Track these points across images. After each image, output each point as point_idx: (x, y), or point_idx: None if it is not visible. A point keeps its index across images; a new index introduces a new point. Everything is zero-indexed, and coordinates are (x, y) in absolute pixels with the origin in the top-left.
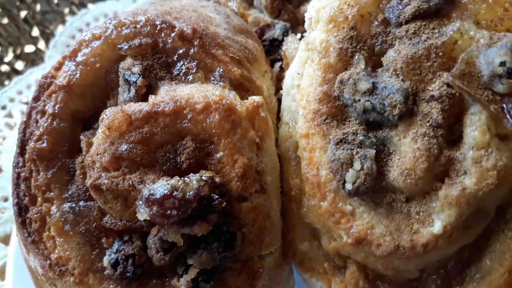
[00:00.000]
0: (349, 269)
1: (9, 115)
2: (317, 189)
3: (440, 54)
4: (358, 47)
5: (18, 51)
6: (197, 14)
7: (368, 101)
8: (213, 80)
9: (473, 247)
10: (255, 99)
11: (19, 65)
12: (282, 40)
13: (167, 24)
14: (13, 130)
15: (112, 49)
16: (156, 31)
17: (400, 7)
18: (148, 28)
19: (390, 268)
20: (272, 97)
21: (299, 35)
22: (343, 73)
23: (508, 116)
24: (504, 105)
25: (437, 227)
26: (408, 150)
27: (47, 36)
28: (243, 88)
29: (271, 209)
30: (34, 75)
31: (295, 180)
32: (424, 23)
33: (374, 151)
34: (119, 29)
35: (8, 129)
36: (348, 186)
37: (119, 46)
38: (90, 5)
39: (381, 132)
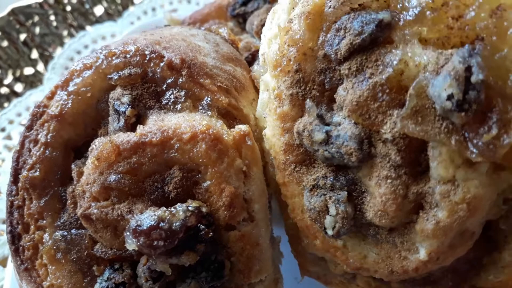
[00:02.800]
0: (358, 277)
1: (8, 137)
2: (307, 231)
3: (387, 91)
4: (307, 88)
5: (18, 74)
6: (186, 43)
7: (326, 150)
8: (201, 109)
9: (476, 247)
10: (241, 128)
11: (18, 87)
12: None
13: (156, 54)
14: (11, 152)
15: (102, 79)
16: (146, 61)
17: (336, 41)
18: (138, 58)
19: (395, 281)
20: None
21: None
22: (298, 122)
23: (471, 146)
24: (466, 134)
25: (422, 254)
26: (375, 193)
27: (46, 59)
28: (230, 116)
29: (260, 237)
30: (33, 97)
31: (288, 220)
32: (364, 56)
33: (346, 193)
34: (110, 59)
35: (7, 151)
36: (329, 232)
37: (109, 76)
38: (88, 27)
39: (349, 172)
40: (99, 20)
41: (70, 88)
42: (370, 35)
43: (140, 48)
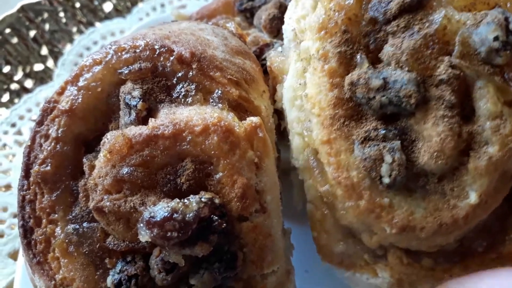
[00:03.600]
0: (390, 252)
1: (19, 133)
2: (351, 190)
3: (436, 40)
4: (355, 48)
5: (28, 70)
6: (195, 37)
7: (383, 96)
8: (212, 102)
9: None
10: (253, 120)
11: (29, 83)
12: None
13: (166, 48)
14: (22, 147)
15: (112, 74)
16: (155, 55)
17: (383, 5)
18: (148, 52)
19: (432, 246)
20: (270, 116)
21: (280, 49)
22: (350, 75)
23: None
24: (506, 75)
25: (473, 197)
26: (432, 133)
27: (56, 55)
28: (241, 108)
29: (272, 228)
30: (43, 93)
31: (324, 187)
32: (411, 16)
33: (399, 141)
34: (119, 54)
35: (17, 146)
36: (386, 180)
37: (120, 70)
38: (97, 24)
39: (399, 122)
40: (108, 17)
41: (80, 83)
42: None
43: (150, 42)
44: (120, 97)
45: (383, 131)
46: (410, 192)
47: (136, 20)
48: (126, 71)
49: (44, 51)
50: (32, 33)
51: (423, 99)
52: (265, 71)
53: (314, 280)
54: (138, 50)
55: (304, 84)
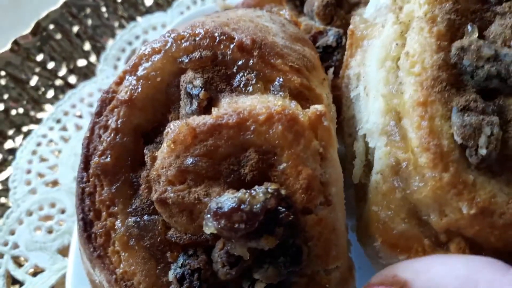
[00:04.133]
0: (454, 242)
1: (64, 129)
2: (439, 159)
3: None
4: (463, 20)
5: (71, 66)
6: (254, 24)
7: (492, 66)
8: (273, 90)
9: None
10: (317, 108)
11: (72, 79)
12: (336, 47)
13: (226, 35)
14: (67, 143)
15: (172, 63)
16: (215, 43)
17: None
18: (207, 40)
19: (502, 240)
20: (331, 105)
21: (365, 16)
22: (460, 41)
23: None
24: None
25: None
26: None
27: (98, 50)
28: (302, 97)
29: (337, 221)
30: (87, 89)
31: (406, 154)
32: None
33: (497, 117)
34: (179, 42)
35: (63, 142)
36: (482, 151)
37: (179, 59)
38: (138, 18)
39: (497, 100)
40: (149, 11)
41: (139, 73)
42: None
43: (210, 30)
44: (181, 87)
45: (483, 105)
46: (494, 174)
47: (177, 13)
48: (186, 60)
49: (87, 46)
50: (75, 28)
51: None
52: (320, 59)
53: (366, 278)
54: (197, 38)
55: (401, 46)
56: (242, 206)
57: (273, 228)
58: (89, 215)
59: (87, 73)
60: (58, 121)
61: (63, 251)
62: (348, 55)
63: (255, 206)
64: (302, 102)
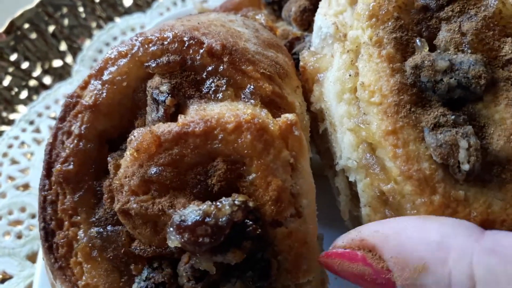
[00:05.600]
0: None
1: (37, 130)
2: (424, 184)
3: (496, 22)
4: (409, 34)
5: (46, 66)
6: (226, 29)
7: (451, 78)
8: (244, 97)
9: None
10: (288, 117)
11: (47, 79)
12: None
13: (196, 40)
14: (41, 146)
15: (139, 67)
16: (184, 48)
17: None
18: (176, 44)
19: None
20: (305, 113)
21: (313, 48)
22: (412, 58)
23: None
24: None
25: None
26: (506, 116)
27: (75, 51)
28: (274, 105)
29: (308, 234)
30: (62, 90)
31: (388, 185)
32: (465, 1)
33: (471, 126)
34: (146, 46)
35: (36, 144)
36: (465, 166)
37: (147, 64)
38: (117, 19)
39: (465, 108)
40: (127, 11)
41: (105, 77)
42: None
43: (178, 34)
44: (147, 92)
45: (453, 117)
46: (484, 182)
47: (157, 14)
48: (154, 65)
49: (63, 46)
50: (51, 28)
51: (492, 81)
52: (296, 65)
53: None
54: (166, 42)
55: (354, 75)
56: (207, 219)
57: (240, 242)
58: (50, 224)
59: (62, 74)
60: (31, 122)
61: (32, 257)
62: (307, 91)
63: (220, 219)
64: (274, 110)
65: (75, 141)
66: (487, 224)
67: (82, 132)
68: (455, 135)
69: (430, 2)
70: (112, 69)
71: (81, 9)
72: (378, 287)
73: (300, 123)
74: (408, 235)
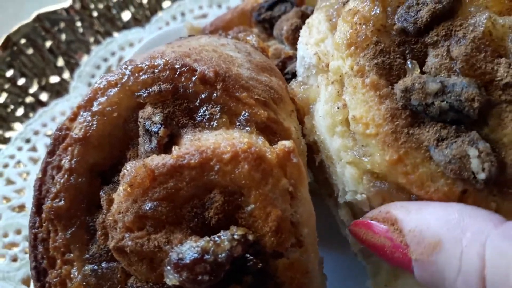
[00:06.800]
0: None
1: (33, 149)
2: (448, 201)
3: (487, 43)
4: (391, 57)
5: (43, 82)
6: (218, 54)
7: (443, 101)
8: (239, 125)
9: None
10: (285, 144)
11: (44, 96)
12: None
13: (187, 67)
14: (37, 165)
15: (129, 97)
16: (176, 76)
17: (412, 14)
18: (167, 72)
19: None
20: (301, 138)
21: (300, 78)
22: (402, 81)
23: None
24: None
25: None
26: None
27: (72, 66)
28: (270, 131)
29: (309, 263)
30: (59, 107)
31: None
32: (450, 23)
33: (475, 131)
34: (136, 74)
35: (32, 163)
36: (481, 176)
37: (137, 93)
38: (115, 34)
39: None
40: (126, 26)
41: (95, 108)
42: (448, 3)
43: (169, 61)
44: (139, 123)
45: (454, 126)
46: None
47: (156, 29)
48: (145, 94)
49: (60, 62)
50: (48, 43)
51: (488, 104)
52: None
53: None
54: (157, 70)
55: (343, 107)
56: (206, 257)
57: (241, 277)
58: (42, 263)
59: (59, 90)
60: (28, 140)
61: (28, 281)
62: (300, 118)
63: (220, 256)
64: (270, 137)
65: (66, 176)
66: None
67: (73, 166)
68: (461, 144)
69: (408, 25)
70: (102, 99)
71: (78, 23)
72: (396, 261)
73: (297, 149)
74: (429, 211)
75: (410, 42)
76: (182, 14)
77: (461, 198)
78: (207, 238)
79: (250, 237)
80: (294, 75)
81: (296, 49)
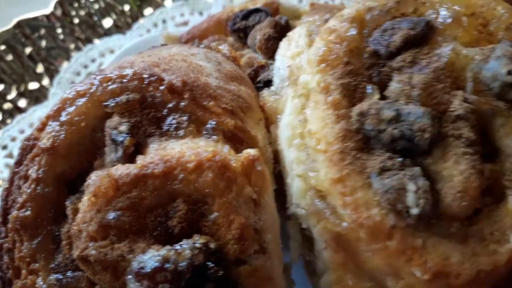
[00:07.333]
0: None
1: (10, 155)
2: (377, 231)
3: (447, 74)
4: (358, 79)
5: (22, 88)
6: (187, 64)
7: (395, 128)
8: (206, 133)
9: None
10: (250, 152)
11: (22, 102)
12: None
13: (156, 77)
14: None
15: (97, 107)
16: (144, 85)
17: (386, 37)
18: (136, 82)
19: None
20: (268, 146)
21: (273, 88)
22: (360, 105)
23: None
24: None
25: None
26: (454, 173)
27: (52, 73)
28: (237, 139)
29: (273, 269)
30: (38, 113)
31: (342, 226)
32: (417, 50)
33: (419, 167)
34: (105, 84)
35: (8, 170)
36: (414, 210)
37: (105, 103)
38: (96, 41)
39: (415, 160)
40: (107, 33)
41: (63, 118)
42: (422, 30)
43: (138, 71)
44: (105, 133)
45: (400, 159)
46: (446, 233)
47: (137, 36)
48: (113, 104)
49: (40, 68)
50: (28, 50)
51: (439, 135)
52: None
53: None
54: (125, 80)
55: (304, 121)
56: (166, 265)
57: (202, 285)
58: (7, 273)
59: (38, 97)
60: (4, 147)
61: None
62: (268, 130)
63: (180, 264)
64: (237, 145)
65: (33, 186)
66: (441, 276)
67: (40, 176)
68: (402, 177)
69: (380, 48)
70: (70, 109)
71: (59, 30)
72: None
73: (264, 156)
74: None
75: (379, 65)
76: (164, 21)
77: (389, 232)
78: (168, 247)
79: (212, 245)
80: (266, 83)
81: (268, 58)
